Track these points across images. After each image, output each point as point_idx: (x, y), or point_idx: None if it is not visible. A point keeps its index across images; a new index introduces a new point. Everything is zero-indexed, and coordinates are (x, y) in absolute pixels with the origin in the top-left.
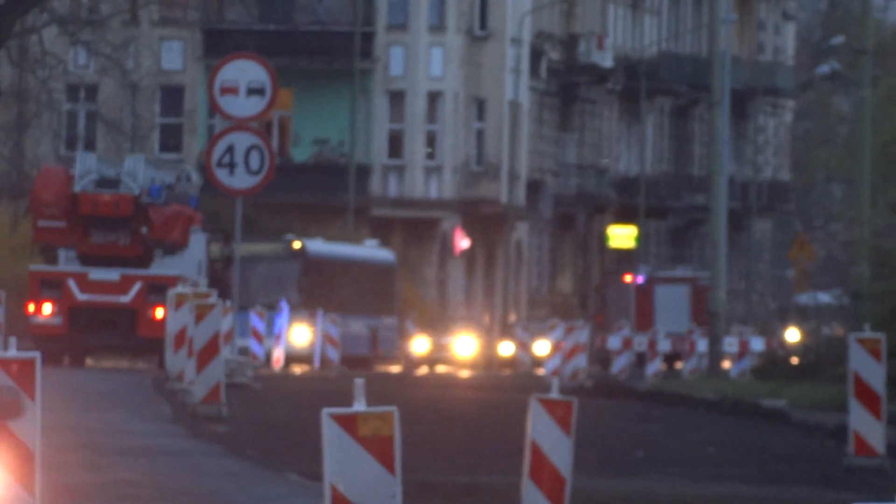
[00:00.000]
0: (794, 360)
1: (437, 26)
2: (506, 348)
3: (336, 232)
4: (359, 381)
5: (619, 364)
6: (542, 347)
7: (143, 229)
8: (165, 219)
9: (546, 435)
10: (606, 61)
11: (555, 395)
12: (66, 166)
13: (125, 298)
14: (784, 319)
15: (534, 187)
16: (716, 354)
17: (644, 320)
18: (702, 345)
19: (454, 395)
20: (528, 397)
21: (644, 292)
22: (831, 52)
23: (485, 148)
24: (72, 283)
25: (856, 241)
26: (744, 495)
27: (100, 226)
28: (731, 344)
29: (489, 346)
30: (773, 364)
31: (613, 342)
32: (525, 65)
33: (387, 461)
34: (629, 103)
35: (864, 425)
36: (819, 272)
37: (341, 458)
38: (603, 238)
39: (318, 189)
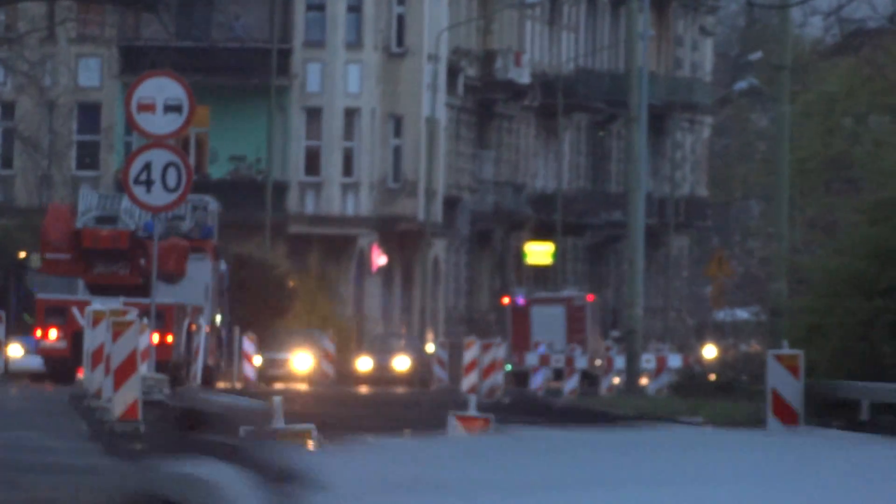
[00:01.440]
0: (712, 377)
1: (355, 43)
2: (401, 363)
3: (253, 249)
4: (277, 399)
5: (537, 381)
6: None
7: (142, 261)
8: (162, 251)
9: None
10: (523, 77)
11: (472, 412)
12: (71, 203)
13: None
14: (701, 336)
15: (451, 204)
16: (633, 371)
17: (522, 340)
18: (619, 361)
19: (367, 413)
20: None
21: (521, 313)
22: (749, 67)
23: (402, 165)
24: (75, 311)
25: (774, 257)
26: None
27: (100, 258)
28: (648, 360)
29: (422, 364)
30: (691, 381)
31: (531, 359)
32: (442, 81)
33: None
34: (546, 119)
35: None
36: (737, 289)
37: None
38: (520, 255)
39: (235, 206)
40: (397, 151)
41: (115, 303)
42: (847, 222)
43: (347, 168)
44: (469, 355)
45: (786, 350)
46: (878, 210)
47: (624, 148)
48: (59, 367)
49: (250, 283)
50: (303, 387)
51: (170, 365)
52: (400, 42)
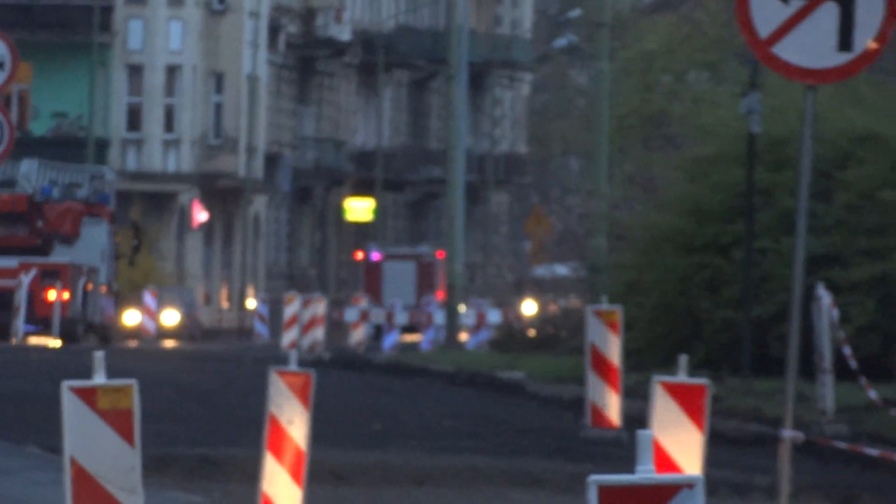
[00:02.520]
0: (532, 333)
1: (176, 0)
2: (170, 317)
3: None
4: (98, 354)
5: (357, 337)
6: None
7: (39, 223)
8: (57, 214)
9: (285, 407)
10: (344, 35)
11: (293, 367)
12: None
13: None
14: (521, 292)
15: (272, 160)
16: (453, 327)
17: (374, 295)
18: (439, 317)
19: (192, 367)
20: (266, 369)
21: (374, 269)
22: (569, 24)
23: (223, 121)
24: None
25: (593, 214)
26: (480, 467)
27: (1, 221)
28: (468, 316)
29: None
30: (511, 336)
31: (351, 315)
32: (263, 38)
33: (126, 434)
34: (367, 76)
35: (602, 397)
36: (556, 245)
37: (81, 430)
38: (340, 211)
39: (58, 162)
40: (218, 108)
41: (12, 261)
42: (666, 179)
43: (169, 124)
44: (289, 311)
45: (604, 306)
46: (697, 167)
47: (444, 105)
48: None
49: None
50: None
51: (65, 320)
52: None
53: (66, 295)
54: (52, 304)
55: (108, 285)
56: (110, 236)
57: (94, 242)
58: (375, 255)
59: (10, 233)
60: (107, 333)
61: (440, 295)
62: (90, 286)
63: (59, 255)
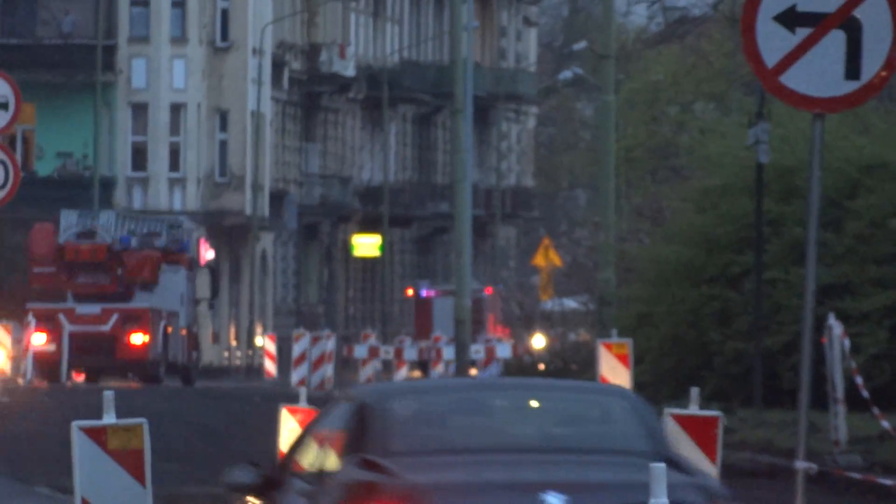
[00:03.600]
0: (541, 367)
1: (179, 38)
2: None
3: None
4: (108, 394)
5: (366, 373)
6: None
7: (119, 271)
8: (136, 262)
9: None
10: (348, 70)
11: (303, 404)
12: (53, 222)
13: (105, 327)
14: (530, 326)
15: (278, 197)
16: (462, 362)
17: (424, 332)
18: (448, 352)
19: (200, 405)
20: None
21: (424, 305)
22: (573, 57)
23: (228, 159)
24: (62, 317)
25: (601, 246)
26: None
27: (82, 269)
28: (477, 351)
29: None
30: (520, 370)
31: (360, 351)
32: (267, 75)
33: (137, 473)
34: (372, 112)
35: None
36: (565, 278)
37: (92, 470)
38: (348, 247)
39: (63, 202)
40: (223, 146)
41: (96, 308)
42: (673, 210)
43: (174, 163)
44: (298, 348)
45: (614, 339)
46: (704, 198)
47: (450, 139)
48: (49, 368)
49: None
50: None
51: (147, 363)
52: (224, 36)
53: (146, 338)
54: (136, 347)
55: (188, 328)
56: (189, 282)
57: (173, 288)
58: (426, 292)
59: (92, 281)
60: (188, 374)
61: (496, 330)
62: (170, 329)
63: (140, 301)
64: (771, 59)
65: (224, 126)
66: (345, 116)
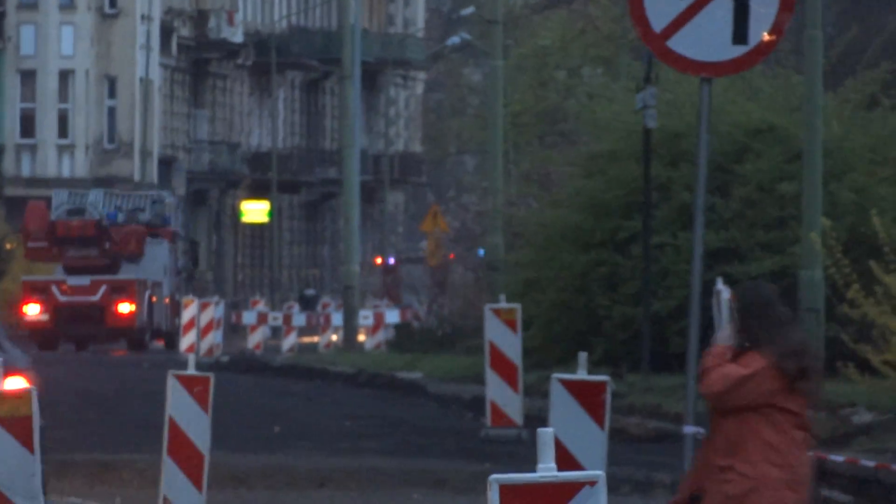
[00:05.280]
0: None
1: (68, 5)
2: None
3: None
4: None
5: (255, 339)
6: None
7: (107, 245)
8: (123, 236)
9: (183, 411)
10: (237, 37)
11: (192, 371)
12: (45, 200)
13: (94, 298)
14: (418, 291)
15: (166, 164)
16: (351, 328)
17: (394, 296)
18: (337, 318)
19: (90, 372)
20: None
21: (392, 271)
22: (461, 22)
23: (117, 125)
24: (54, 288)
25: (489, 211)
26: (381, 467)
27: (72, 244)
28: (366, 317)
29: None
30: (409, 336)
31: (248, 317)
32: (155, 42)
33: (26, 441)
34: (260, 78)
35: (501, 396)
36: (453, 243)
37: None
38: (236, 213)
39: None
40: (112, 112)
41: (85, 280)
42: (562, 176)
43: (63, 130)
44: (187, 314)
45: (503, 304)
46: (593, 163)
47: (338, 105)
48: (43, 338)
49: None
50: None
51: (133, 330)
52: (113, 3)
53: (133, 307)
54: (124, 315)
55: (171, 297)
56: (172, 253)
57: (157, 260)
58: (392, 260)
59: (81, 255)
60: (172, 340)
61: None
62: (154, 298)
63: (126, 273)
64: (658, 23)
65: (113, 93)
66: (233, 83)
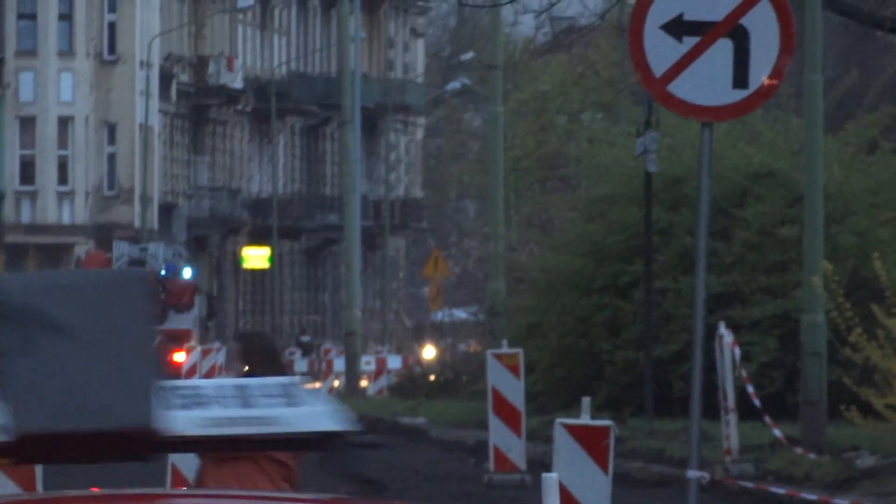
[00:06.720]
0: (432, 377)
1: (67, 51)
2: None
3: None
4: None
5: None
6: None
7: (163, 296)
8: (178, 289)
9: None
10: (236, 82)
11: None
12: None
13: None
14: (420, 337)
15: (167, 210)
16: (353, 373)
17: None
18: (339, 364)
19: None
20: None
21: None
22: (461, 67)
23: (117, 172)
24: None
25: (490, 256)
26: None
27: None
28: (368, 362)
29: None
30: (411, 382)
31: None
32: (155, 88)
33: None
34: (260, 124)
35: (504, 441)
36: (454, 289)
37: None
38: (237, 259)
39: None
40: (112, 159)
41: None
42: (563, 220)
43: (62, 176)
44: (189, 361)
45: (505, 349)
46: (593, 207)
47: (338, 150)
48: None
49: None
50: None
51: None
52: (112, 49)
53: (184, 356)
54: (177, 364)
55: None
56: (198, 306)
57: (192, 311)
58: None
59: None
60: None
61: None
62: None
63: (175, 323)
64: (658, 68)
65: (112, 139)
66: (233, 128)
